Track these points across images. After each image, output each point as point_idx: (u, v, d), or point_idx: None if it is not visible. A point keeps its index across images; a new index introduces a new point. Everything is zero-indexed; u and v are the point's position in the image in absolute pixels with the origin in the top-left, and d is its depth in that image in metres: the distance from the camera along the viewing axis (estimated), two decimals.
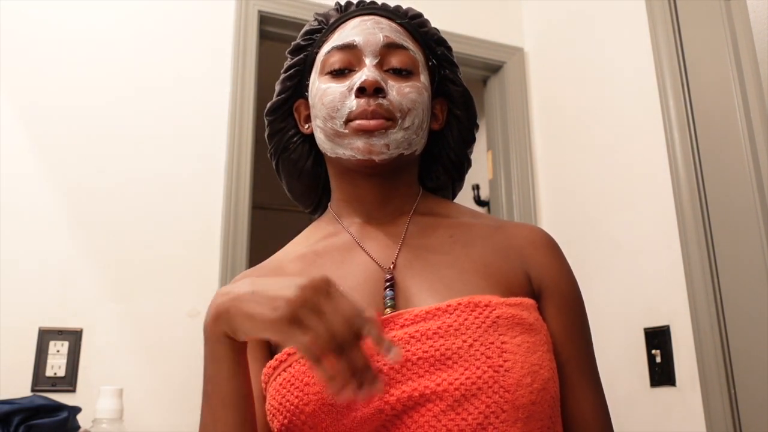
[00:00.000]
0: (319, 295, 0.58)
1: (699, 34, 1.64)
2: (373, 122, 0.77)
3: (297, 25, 2.04)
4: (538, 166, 2.22)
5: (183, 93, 1.85)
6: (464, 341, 0.68)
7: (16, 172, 1.63)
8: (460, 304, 0.70)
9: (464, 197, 2.37)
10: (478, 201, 2.41)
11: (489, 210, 2.31)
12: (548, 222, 2.13)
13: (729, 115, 1.52)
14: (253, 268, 0.86)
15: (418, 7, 0.92)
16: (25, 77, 1.70)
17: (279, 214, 3.64)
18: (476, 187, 2.44)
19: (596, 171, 1.95)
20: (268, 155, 0.91)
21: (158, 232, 1.72)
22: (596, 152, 1.96)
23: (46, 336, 1.55)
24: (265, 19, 2.01)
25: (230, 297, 0.63)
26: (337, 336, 0.57)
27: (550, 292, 0.78)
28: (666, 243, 1.64)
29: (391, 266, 0.78)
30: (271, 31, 2.04)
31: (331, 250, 0.82)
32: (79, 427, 1.38)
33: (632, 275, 1.75)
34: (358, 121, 0.77)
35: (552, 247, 0.82)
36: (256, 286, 0.62)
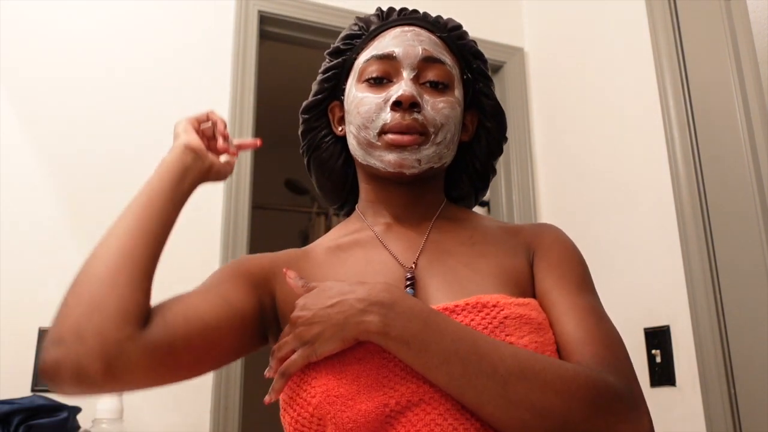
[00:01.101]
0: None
1: (699, 34, 1.64)
2: (407, 138, 0.79)
3: (297, 25, 2.04)
4: (538, 166, 2.22)
5: (183, 93, 1.85)
6: None
7: (17, 173, 1.63)
8: (468, 304, 0.72)
9: None
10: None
11: (489, 210, 2.31)
12: (548, 222, 2.12)
13: (729, 115, 1.52)
14: (291, 249, 0.87)
15: (421, 8, 0.92)
16: (24, 78, 1.70)
17: (279, 214, 3.64)
18: None
19: (596, 171, 1.95)
20: (300, 152, 0.93)
21: None
22: (596, 152, 1.96)
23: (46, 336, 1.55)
24: (265, 19, 2.01)
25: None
26: None
27: (539, 255, 0.81)
28: (666, 243, 1.64)
29: (413, 266, 0.80)
30: (271, 31, 2.04)
31: (354, 246, 0.84)
32: (79, 427, 1.38)
33: (632, 275, 1.75)
34: (391, 136, 0.79)
35: (552, 228, 0.86)
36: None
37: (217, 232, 1.77)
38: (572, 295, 0.76)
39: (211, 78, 1.89)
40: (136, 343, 0.66)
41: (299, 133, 0.93)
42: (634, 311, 1.72)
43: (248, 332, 0.76)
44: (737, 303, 1.47)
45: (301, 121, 0.92)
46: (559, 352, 0.72)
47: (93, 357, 0.64)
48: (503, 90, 2.29)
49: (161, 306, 0.74)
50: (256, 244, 1.87)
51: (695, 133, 1.61)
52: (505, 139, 0.93)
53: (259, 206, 2.38)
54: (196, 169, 0.83)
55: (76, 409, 1.39)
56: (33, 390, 1.50)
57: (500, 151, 0.93)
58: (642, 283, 1.72)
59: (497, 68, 2.32)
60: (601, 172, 1.93)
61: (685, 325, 1.56)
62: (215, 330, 0.72)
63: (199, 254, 1.74)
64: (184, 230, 1.76)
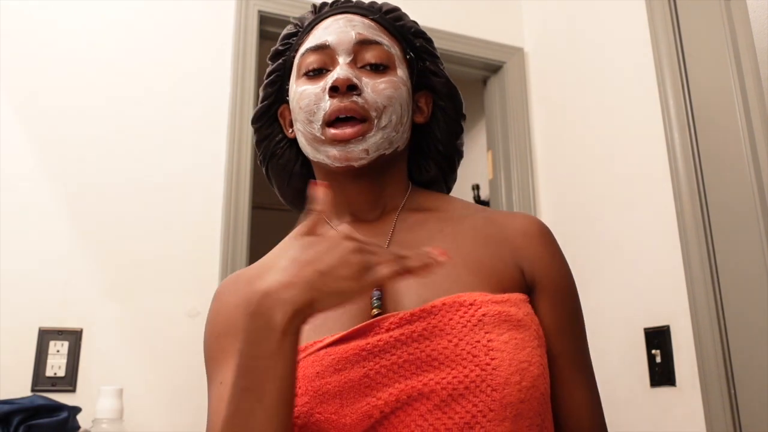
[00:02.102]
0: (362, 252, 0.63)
1: (699, 34, 1.64)
2: (348, 131, 0.76)
3: None
4: (538, 166, 2.22)
5: (183, 93, 1.85)
6: (450, 341, 0.67)
7: (16, 172, 1.63)
8: (444, 304, 0.70)
9: (464, 197, 2.37)
10: (478, 201, 2.41)
11: None
12: (548, 222, 2.11)
13: (729, 115, 1.52)
14: (245, 268, 0.85)
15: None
16: (24, 76, 1.70)
17: (279, 214, 3.65)
18: (476, 187, 2.44)
19: (596, 171, 1.95)
20: (258, 162, 0.91)
21: (158, 232, 1.72)
22: (596, 152, 1.96)
23: (46, 336, 1.55)
24: (265, 19, 2.01)
25: (304, 286, 0.60)
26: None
27: (543, 284, 0.77)
28: (666, 243, 1.64)
29: None
30: (271, 31, 2.04)
31: None
32: (79, 427, 1.38)
33: (632, 275, 1.75)
34: (333, 130, 0.77)
35: (545, 238, 0.80)
36: (316, 268, 0.62)
37: (217, 232, 1.77)
38: (582, 360, 0.77)
39: (211, 78, 1.89)
40: None
41: (254, 143, 0.91)
42: (634, 311, 1.72)
43: None
44: (737, 303, 1.47)
45: (253, 131, 0.90)
46: (562, 405, 0.74)
47: None
48: (503, 90, 2.29)
49: None
50: (256, 244, 1.87)
51: (695, 133, 1.61)
52: (463, 117, 0.90)
53: (259, 206, 2.38)
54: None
55: (76, 409, 1.39)
56: (33, 390, 1.51)
57: (461, 130, 0.90)
58: (642, 283, 1.72)
59: (497, 68, 2.32)
60: (601, 172, 1.93)
61: (685, 325, 1.57)
62: None
63: (200, 254, 1.74)
64: (184, 230, 1.78)
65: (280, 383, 0.60)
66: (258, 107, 0.89)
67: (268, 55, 0.89)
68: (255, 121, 0.89)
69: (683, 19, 1.69)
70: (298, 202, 0.93)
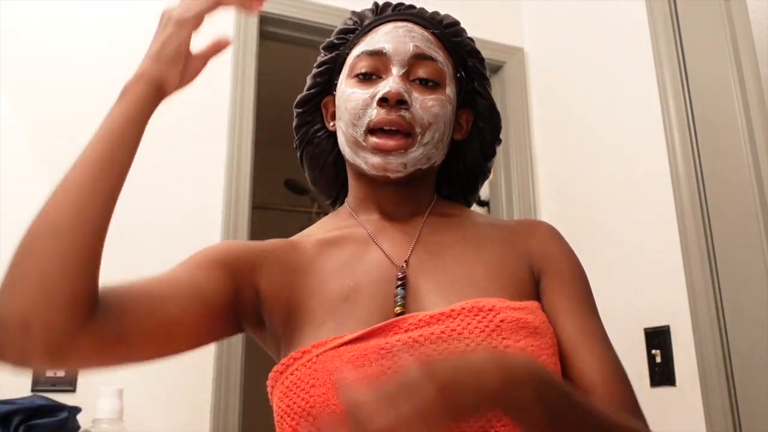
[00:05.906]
0: None
1: (699, 34, 1.64)
2: (391, 143, 0.78)
3: (297, 25, 2.04)
4: (538, 166, 2.22)
5: (183, 93, 1.84)
6: (467, 345, 0.68)
7: (16, 171, 1.63)
8: (464, 308, 0.70)
9: None
10: (478, 201, 2.41)
11: (489, 210, 2.31)
12: (548, 222, 2.12)
13: (729, 115, 1.52)
14: (278, 240, 0.84)
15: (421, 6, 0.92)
16: (23, 76, 1.70)
17: (279, 214, 3.65)
18: None
19: (596, 171, 1.95)
20: (294, 145, 0.93)
21: (158, 231, 1.72)
22: (596, 152, 1.96)
23: None
24: (265, 19, 2.01)
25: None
26: None
27: (549, 270, 0.79)
28: (666, 243, 1.64)
29: (404, 264, 0.78)
30: (271, 31, 2.04)
31: (344, 241, 0.82)
32: (79, 427, 1.38)
33: (632, 275, 1.75)
34: (375, 139, 0.78)
35: (551, 233, 0.83)
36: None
37: (217, 232, 1.77)
38: (591, 331, 0.76)
39: (211, 78, 1.88)
40: (86, 333, 0.63)
41: (293, 127, 0.92)
42: (634, 311, 1.72)
43: (218, 324, 0.75)
44: (737, 303, 1.47)
45: (294, 115, 0.92)
46: (574, 379, 0.73)
47: (39, 349, 0.62)
48: (503, 90, 2.29)
49: (122, 291, 0.70)
50: None
51: (695, 133, 1.61)
52: (499, 141, 0.92)
53: (259, 206, 2.38)
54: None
55: (76, 409, 1.39)
56: (33, 390, 1.51)
57: (493, 153, 0.91)
58: (642, 283, 1.72)
59: (497, 68, 2.32)
60: (601, 172, 1.93)
61: (685, 325, 1.56)
62: (179, 324, 0.71)
63: None
64: (184, 230, 1.78)
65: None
66: (303, 94, 0.90)
67: (322, 45, 0.91)
68: (298, 105, 0.91)
69: (683, 19, 1.69)
70: (326, 191, 0.95)
